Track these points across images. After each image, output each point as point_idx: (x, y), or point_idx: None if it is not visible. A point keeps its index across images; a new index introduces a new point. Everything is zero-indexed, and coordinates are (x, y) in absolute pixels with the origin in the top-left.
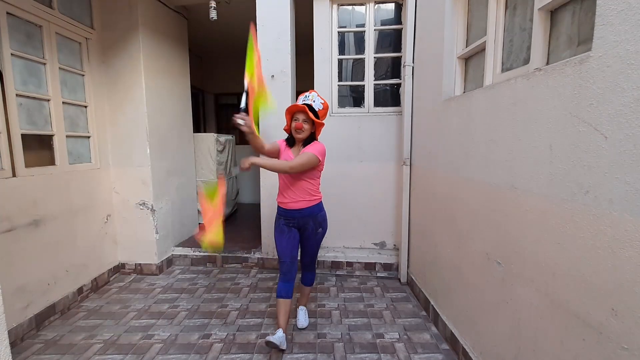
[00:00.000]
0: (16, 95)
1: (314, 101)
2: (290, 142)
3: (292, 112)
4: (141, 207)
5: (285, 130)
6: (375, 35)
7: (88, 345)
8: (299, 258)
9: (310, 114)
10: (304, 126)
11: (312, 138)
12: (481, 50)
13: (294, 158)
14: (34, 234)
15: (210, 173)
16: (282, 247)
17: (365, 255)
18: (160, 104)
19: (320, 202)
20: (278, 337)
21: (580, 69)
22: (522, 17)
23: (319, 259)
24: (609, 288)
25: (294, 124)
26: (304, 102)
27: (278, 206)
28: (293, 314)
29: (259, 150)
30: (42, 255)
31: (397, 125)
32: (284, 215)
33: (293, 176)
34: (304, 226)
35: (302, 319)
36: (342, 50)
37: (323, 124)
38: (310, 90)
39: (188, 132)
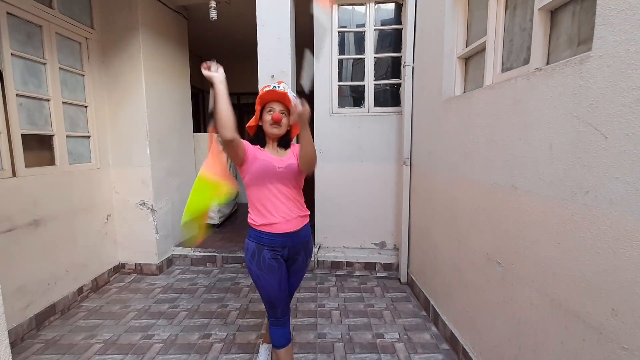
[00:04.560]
0: (16, 95)
1: (287, 90)
2: (260, 143)
3: (266, 102)
4: (141, 207)
5: (249, 127)
6: (375, 35)
7: (88, 345)
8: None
9: (290, 104)
10: (283, 120)
11: (287, 138)
12: (481, 50)
13: (282, 158)
14: (34, 234)
15: None
16: (274, 291)
17: (365, 255)
18: (160, 104)
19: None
20: None
21: (580, 69)
22: (522, 17)
23: (319, 258)
24: (609, 288)
25: (268, 117)
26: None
27: (257, 232)
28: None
29: (227, 123)
30: (42, 255)
31: (397, 125)
32: (270, 243)
33: (290, 182)
34: (294, 256)
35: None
36: (342, 50)
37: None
38: (279, 82)
39: (188, 132)
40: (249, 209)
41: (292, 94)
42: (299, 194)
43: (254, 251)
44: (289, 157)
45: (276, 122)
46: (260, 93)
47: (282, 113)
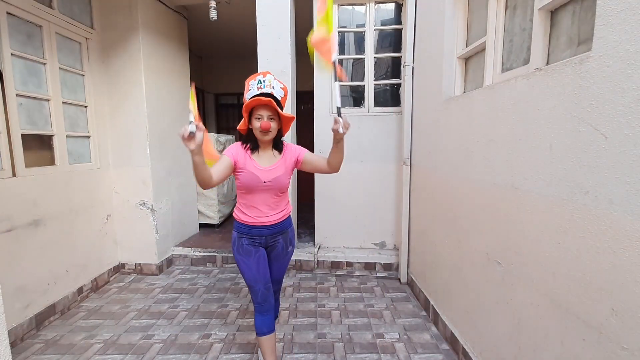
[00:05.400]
0: (16, 95)
1: (273, 87)
2: (252, 145)
3: (251, 108)
4: (141, 207)
5: (240, 130)
6: (375, 35)
7: (88, 345)
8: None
9: (277, 108)
10: (272, 125)
11: (279, 137)
12: (481, 50)
13: (270, 169)
14: (34, 234)
15: None
16: (252, 272)
17: (365, 255)
18: (160, 104)
19: (290, 215)
20: None
21: (580, 69)
22: (522, 17)
23: (318, 258)
24: (609, 288)
25: (257, 124)
26: (261, 90)
27: (238, 224)
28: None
29: (203, 182)
30: (42, 255)
31: (397, 125)
32: (248, 232)
33: (276, 192)
34: (273, 244)
35: None
36: (342, 50)
37: (293, 118)
38: (264, 73)
39: None
40: (236, 205)
41: (279, 86)
42: (283, 197)
43: (235, 239)
44: (278, 167)
45: (265, 130)
46: (244, 97)
47: (271, 119)
